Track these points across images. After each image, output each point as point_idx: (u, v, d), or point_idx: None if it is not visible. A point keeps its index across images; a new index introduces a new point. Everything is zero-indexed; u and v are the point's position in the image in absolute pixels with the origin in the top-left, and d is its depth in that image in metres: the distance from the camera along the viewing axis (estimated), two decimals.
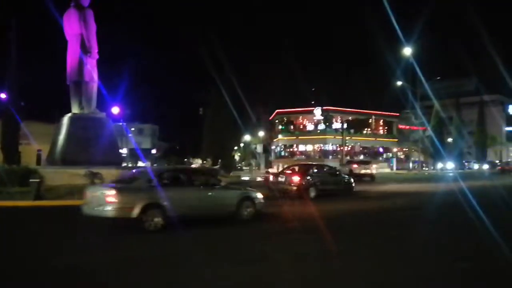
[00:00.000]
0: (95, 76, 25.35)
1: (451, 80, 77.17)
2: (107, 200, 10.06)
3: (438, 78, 54.41)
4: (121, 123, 45.56)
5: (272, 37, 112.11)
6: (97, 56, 25.28)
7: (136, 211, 10.11)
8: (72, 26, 24.84)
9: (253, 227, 11.61)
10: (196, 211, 11.21)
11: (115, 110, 38.20)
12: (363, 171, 35.47)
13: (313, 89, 56.45)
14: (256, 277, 6.72)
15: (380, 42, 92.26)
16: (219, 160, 30.15)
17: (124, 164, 30.81)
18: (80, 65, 24.69)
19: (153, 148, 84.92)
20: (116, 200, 10.04)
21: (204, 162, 41.77)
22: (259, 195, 12.83)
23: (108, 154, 23.87)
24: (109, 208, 10.02)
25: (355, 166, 37.65)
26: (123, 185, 11.00)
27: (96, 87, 25.51)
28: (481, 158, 71.24)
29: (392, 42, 63.55)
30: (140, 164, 55.13)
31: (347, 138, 59.44)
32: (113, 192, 10.18)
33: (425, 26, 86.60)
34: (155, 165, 45.25)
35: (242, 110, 56.42)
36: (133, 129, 78.09)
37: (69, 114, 24.77)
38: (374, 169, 38.40)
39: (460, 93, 76.75)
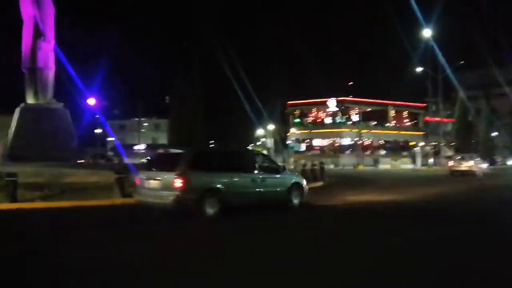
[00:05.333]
0: (51, 62, 22.96)
1: (483, 69, 71.04)
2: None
3: (462, 62, 49.41)
4: (98, 116, 43.11)
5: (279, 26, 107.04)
6: (53, 41, 22.91)
7: None
8: (26, 7, 22.67)
9: None
10: None
11: (91, 101, 35.61)
12: None
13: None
14: None
15: (398, 26, 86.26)
16: None
17: (81, 161, 28.12)
18: (34, 50, 22.39)
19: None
20: None
21: None
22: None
23: (62, 149, 21.53)
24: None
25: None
26: None
27: (53, 74, 23.11)
28: None
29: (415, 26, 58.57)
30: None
31: (364, 131, 55.20)
32: None
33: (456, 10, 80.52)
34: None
35: (252, 104, 53.53)
36: (146, 124, 76.21)
37: (21, 105, 22.47)
38: None
39: (493, 84, 70.51)
